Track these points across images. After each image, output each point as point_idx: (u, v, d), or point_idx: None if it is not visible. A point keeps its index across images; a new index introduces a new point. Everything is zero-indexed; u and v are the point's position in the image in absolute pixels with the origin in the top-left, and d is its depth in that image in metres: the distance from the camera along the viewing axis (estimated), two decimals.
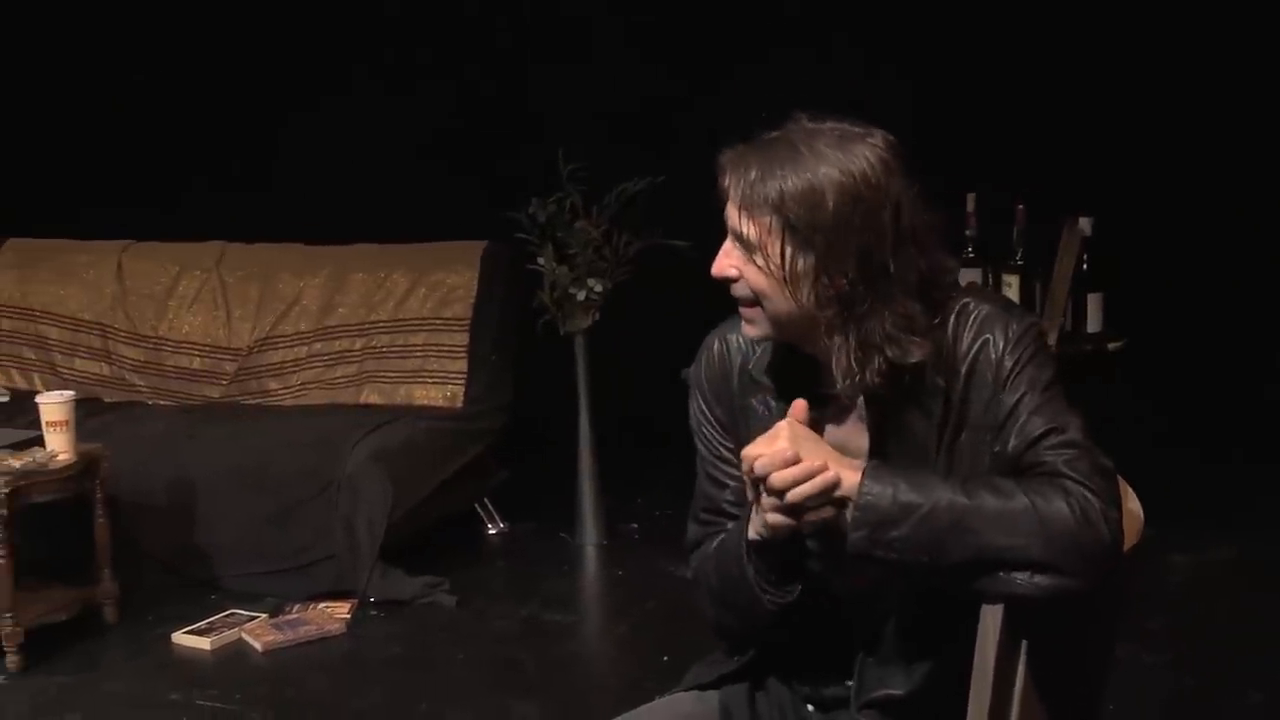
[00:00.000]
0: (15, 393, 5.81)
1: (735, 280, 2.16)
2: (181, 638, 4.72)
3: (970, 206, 4.84)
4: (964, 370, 2.13)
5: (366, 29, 6.58)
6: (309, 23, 6.65)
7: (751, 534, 2.15)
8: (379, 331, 5.72)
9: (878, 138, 2.11)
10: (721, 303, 2.26)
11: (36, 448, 4.65)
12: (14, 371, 6.03)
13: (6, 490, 4.44)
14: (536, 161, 5.25)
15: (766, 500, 2.07)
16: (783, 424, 2.07)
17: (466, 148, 6.36)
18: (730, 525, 2.27)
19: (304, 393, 5.70)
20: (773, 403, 2.26)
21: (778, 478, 2.02)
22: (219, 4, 6.74)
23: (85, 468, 4.69)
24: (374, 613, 4.90)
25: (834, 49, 6.01)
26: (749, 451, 2.06)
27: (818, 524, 2.07)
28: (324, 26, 6.64)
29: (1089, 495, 2.01)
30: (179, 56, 6.75)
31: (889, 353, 2.10)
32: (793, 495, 2.02)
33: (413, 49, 6.56)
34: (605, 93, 6.18)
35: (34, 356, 6.05)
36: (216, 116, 6.75)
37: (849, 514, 2.03)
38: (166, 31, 6.76)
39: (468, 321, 5.62)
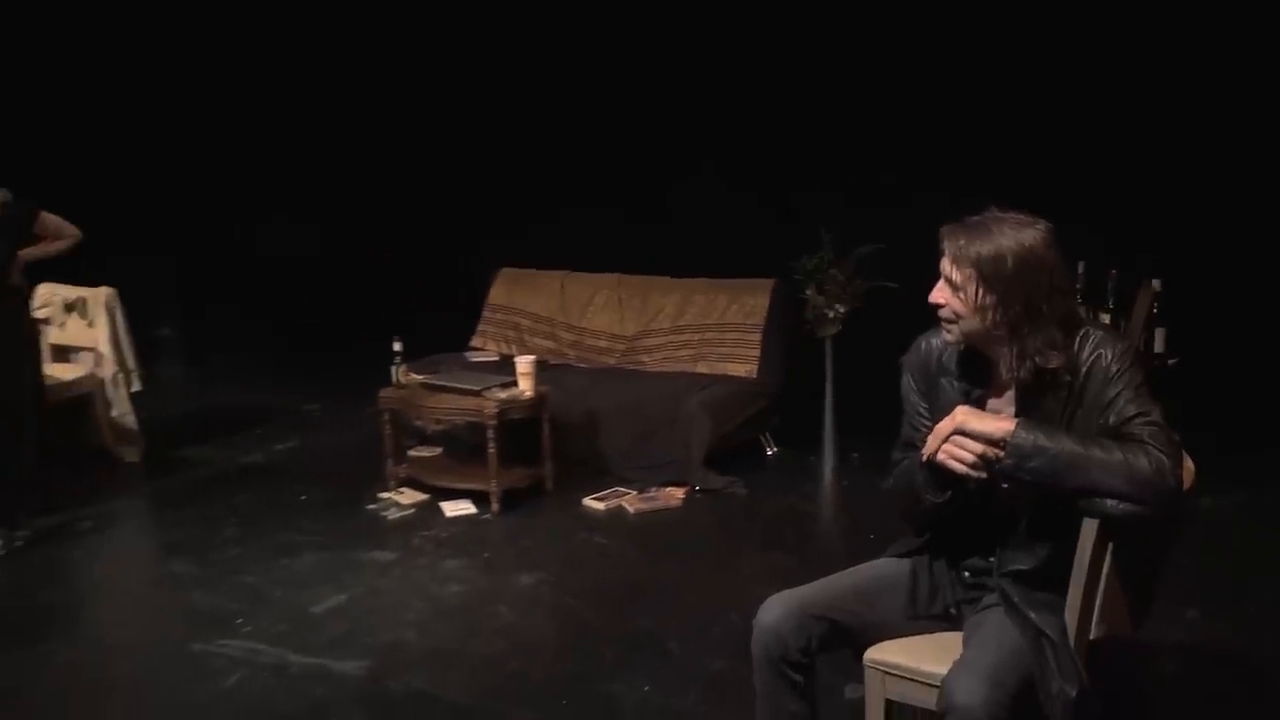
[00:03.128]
0: (503, 356, 6.01)
1: (942, 306, 2.13)
2: (588, 501, 4.85)
3: (1080, 270, 4.63)
4: (1083, 371, 2.06)
5: (716, 130, 6.25)
6: (681, 125, 6.29)
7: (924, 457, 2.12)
8: (708, 330, 5.73)
9: (1042, 225, 2.07)
10: (921, 320, 2.23)
11: (513, 387, 4.87)
12: (503, 344, 6.22)
13: (497, 410, 4.67)
14: (808, 229, 5.21)
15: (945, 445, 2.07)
16: (960, 408, 2.08)
17: (767, 221, 6.14)
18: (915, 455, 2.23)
19: (664, 364, 5.76)
20: (955, 384, 2.22)
21: (933, 438, 2.08)
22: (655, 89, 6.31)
23: (539, 401, 4.88)
24: (698, 496, 4.95)
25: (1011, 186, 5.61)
26: (948, 424, 2.07)
27: (981, 465, 2.02)
28: (686, 134, 6.30)
29: (1162, 456, 1.92)
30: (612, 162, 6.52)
31: (1037, 360, 2.05)
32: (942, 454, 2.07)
33: (747, 162, 6.24)
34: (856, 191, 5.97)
35: (513, 335, 6.23)
36: (624, 196, 6.52)
37: (1005, 449, 1.98)
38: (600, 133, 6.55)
39: (762, 326, 5.59)
